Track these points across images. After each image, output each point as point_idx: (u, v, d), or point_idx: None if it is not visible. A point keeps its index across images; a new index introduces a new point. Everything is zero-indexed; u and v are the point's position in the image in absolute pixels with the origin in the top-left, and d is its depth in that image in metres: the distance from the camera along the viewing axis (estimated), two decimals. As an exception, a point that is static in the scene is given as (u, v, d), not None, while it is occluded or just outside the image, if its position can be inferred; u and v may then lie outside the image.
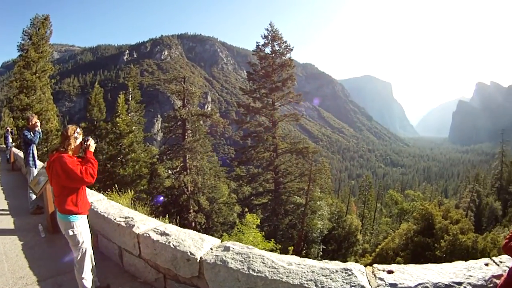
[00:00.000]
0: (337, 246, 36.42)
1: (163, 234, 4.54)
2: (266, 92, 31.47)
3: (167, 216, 11.26)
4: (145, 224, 4.99)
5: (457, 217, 25.68)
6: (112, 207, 6.06)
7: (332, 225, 38.38)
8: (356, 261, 33.03)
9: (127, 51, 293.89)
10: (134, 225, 4.92)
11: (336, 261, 3.67)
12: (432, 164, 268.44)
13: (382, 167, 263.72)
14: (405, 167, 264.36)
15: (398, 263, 25.63)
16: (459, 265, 3.81)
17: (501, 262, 4.15)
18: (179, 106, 28.29)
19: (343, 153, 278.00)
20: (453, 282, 3.51)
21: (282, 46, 31.41)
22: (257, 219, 13.12)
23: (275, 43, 31.10)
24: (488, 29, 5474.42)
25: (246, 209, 31.44)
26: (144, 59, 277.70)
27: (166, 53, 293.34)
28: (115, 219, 5.29)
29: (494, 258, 4.18)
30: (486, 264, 4.07)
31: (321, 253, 34.89)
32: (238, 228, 12.77)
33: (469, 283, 3.51)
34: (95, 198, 6.64)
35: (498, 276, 4.01)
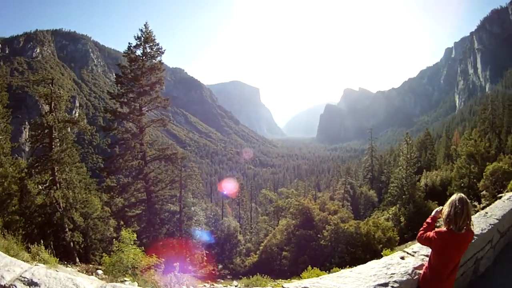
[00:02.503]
0: (220, 249, 36.42)
1: (31, 284, 3.60)
2: (134, 97, 29.79)
3: (42, 242, 9.76)
4: (10, 270, 3.84)
5: (334, 208, 27.22)
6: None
7: (210, 229, 38.32)
8: (243, 261, 33.60)
9: (0, 46, 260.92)
10: (-3, 275, 3.79)
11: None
12: (302, 162, 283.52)
13: (252, 168, 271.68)
14: (275, 167, 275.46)
15: (285, 257, 26.57)
16: (375, 265, 3.60)
17: (414, 252, 4.10)
18: (46, 111, 25.32)
19: (211, 157, 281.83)
20: (379, 285, 3.25)
21: (154, 49, 29.95)
22: (133, 234, 12.11)
23: (147, 45, 29.51)
24: (357, 38, 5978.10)
25: (122, 222, 29.79)
26: (16, 56, 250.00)
27: (38, 50, 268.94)
28: (-27, 265, 3.93)
29: (406, 250, 4.14)
30: (402, 258, 3.97)
31: (205, 258, 34.64)
32: (116, 247, 11.65)
33: (395, 281, 3.28)
34: None
35: (419, 267, 3.94)
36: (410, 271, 3.34)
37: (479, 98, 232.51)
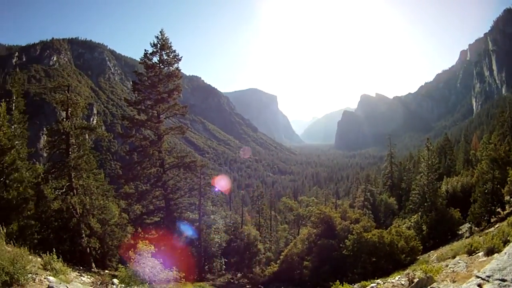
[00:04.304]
0: (239, 257, 36.05)
1: None
2: (152, 104, 29.69)
3: (54, 250, 9.48)
4: None
5: (355, 217, 26.53)
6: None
7: (230, 237, 37.93)
8: (262, 271, 33.10)
9: (17, 54, 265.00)
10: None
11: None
12: (321, 169, 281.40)
13: (271, 176, 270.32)
14: (293, 174, 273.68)
15: (306, 267, 26.02)
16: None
17: (488, 277, 3.54)
18: (62, 118, 25.29)
19: (230, 164, 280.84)
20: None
21: (171, 56, 29.75)
22: (150, 245, 11.72)
23: (163, 52, 29.35)
24: (373, 42, 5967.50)
25: (140, 229, 29.56)
26: (33, 63, 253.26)
27: (55, 58, 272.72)
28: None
29: (478, 274, 3.57)
30: (479, 286, 3.43)
31: (224, 266, 34.39)
32: (132, 259, 11.30)
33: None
34: None
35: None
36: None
37: (496, 100, 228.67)
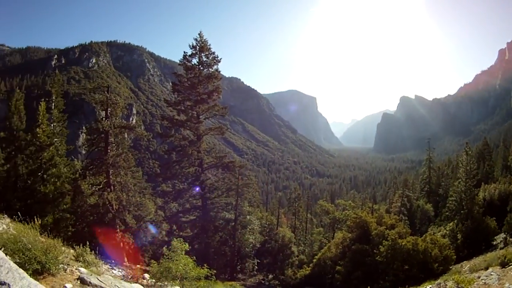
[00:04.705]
0: (272, 259, 36.14)
1: None
2: (191, 105, 30.18)
3: (87, 243, 9.83)
4: None
5: (391, 222, 26.12)
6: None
7: (264, 238, 38.02)
8: (294, 273, 33.05)
9: (56, 56, 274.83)
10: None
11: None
12: (359, 173, 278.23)
13: (309, 178, 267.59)
14: (331, 177, 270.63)
15: (338, 272, 25.85)
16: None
17: None
18: (102, 117, 26.18)
19: (268, 165, 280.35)
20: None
21: (210, 57, 30.07)
22: (184, 244, 11.94)
23: (202, 54, 29.72)
24: (414, 46, 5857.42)
25: (175, 227, 30.16)
26: (72, 65, 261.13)
27: (94, 60, 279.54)
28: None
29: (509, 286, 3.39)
30: None
31: (256, 267, 34.41)
32: (166, 255, 11.54)
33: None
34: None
35: None
36: None
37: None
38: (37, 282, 3.67)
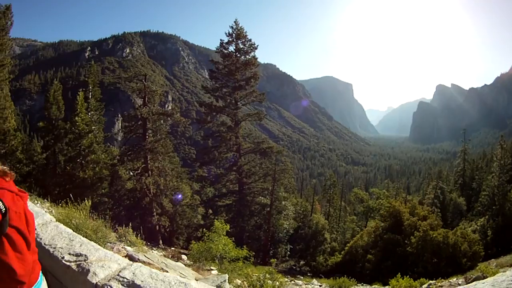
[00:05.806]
0: (305, 245, 36.21)
1: (131, 286, 2.96)
2: (229, 91, 30.70)
3: (130, 225, 10.11)
4: (105, 267, 3.26)
5: (424, 214, 25.86)
6: (60, 235, 3.97)
7: (298, 224, 38.28)
8: (325, 260, 33.16)
9: (89, 48, 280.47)
10: (89, 270, 3.19)
11: None
12: (394, 162, 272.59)
13: (344, 166, 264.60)
14: (366, 166, 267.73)
15: (369, 260, 25.89)
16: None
17: None
18: (139, 105, 26.87)
19: (304, 152, 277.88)
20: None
21: (247, 45, 30.47)
22: (226, 224, 12.29)
23: (239, 41, 30.12)
24: (450, 33, 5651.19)
25: (210, 211, 30.85)
26: (105, 56, 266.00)
27: (128, 50, 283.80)
28: (63, 257, 3.44)
29: None
30: None
31: (288, 252, 34.73)
32: (207, 236, 11.89)
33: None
34: (40, 221, 4.22)
35: None
36: None
37: None
38: (112, 252, 3.80)
